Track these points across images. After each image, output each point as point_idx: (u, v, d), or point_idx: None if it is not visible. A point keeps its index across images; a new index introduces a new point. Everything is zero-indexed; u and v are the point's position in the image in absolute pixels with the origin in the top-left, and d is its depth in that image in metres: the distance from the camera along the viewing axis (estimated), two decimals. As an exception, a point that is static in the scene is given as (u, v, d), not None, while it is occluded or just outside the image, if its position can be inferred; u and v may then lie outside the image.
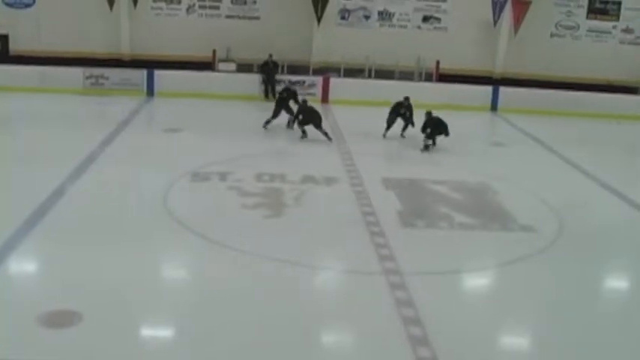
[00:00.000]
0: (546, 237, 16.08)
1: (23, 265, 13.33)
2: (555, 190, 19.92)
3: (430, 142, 23.23)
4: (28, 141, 21.52)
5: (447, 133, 23.39)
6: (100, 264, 12.98)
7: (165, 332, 11.08)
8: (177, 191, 17.66)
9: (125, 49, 33.11)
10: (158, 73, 30.43)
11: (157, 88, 30.30)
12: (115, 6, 32.22)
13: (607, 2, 35.63)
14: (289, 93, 25.60)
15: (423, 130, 23.31)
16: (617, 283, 14.86)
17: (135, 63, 32.21)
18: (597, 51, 35.60)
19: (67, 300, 11.45)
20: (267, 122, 24.68)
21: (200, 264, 13.70)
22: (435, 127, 23.30)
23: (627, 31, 35.89)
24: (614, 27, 35.84)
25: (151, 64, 30.99)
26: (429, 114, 23.67)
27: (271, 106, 25.50)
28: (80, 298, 11.59)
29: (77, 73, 29.94)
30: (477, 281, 14.21)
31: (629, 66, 35.01)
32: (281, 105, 24.92)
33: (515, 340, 11.88)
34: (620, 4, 35.59)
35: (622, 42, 35.95)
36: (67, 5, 32.46)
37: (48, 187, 16.95)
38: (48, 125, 23.92)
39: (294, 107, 24.38)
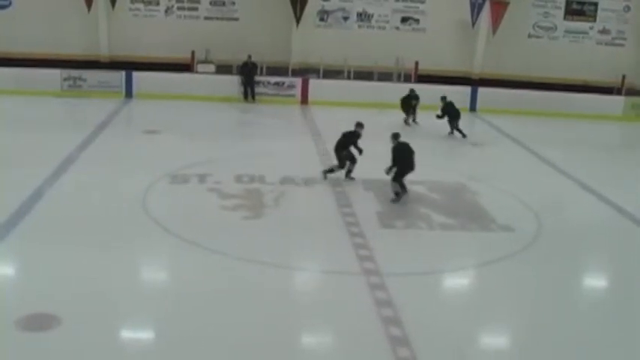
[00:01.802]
0: (525, 236, 16.16)
1: (1, 268, 13.25)
2: (533, 189, 20.01)
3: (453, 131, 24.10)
4: (6, 143, 21.34)
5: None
6: (79, 267, 12.92)
7: (144, 335, 11.04)
8: (156, 193, 17.62)
9: (103, 50, 32.95)
10: (137, 75, 30.35)
11: (135, 89, 30.22)
12: (93, 7, 32.03)
13: (584, 3, 35.89)
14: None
15: (442, 116, 23.68)
16: (595, 281, 14.95)
17: (113, 65, 32.08)
18: (574, 52, 35.84)
19: (45, 303, 11.39)
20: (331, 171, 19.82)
21: (179, 266, 13.66)
22: (454, 113, 23.91)
23: (604, 32, 36.15)
24: (591, 28, 36.13)
25: (129, 66, 30.88)
26: (444, 99, 23.88)
27: (251, 107, 25.44)
28: (59, 301, 11.53)
29: (55, 75, 29.81)
30: (456, 281, 14.26)
31: (606, 66, 35.24)
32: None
33: (494, 340, 11.92)
34: (596, 5, 35.87)
35: (599, 43, 36.22)
36: (44, 6, 32.26)
37: (26, 189, 16.86)
38: (26, 128, 23.79)
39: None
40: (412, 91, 27.72)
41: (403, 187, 17.86)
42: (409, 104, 27.71)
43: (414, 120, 27.84)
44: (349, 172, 19.54)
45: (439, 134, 24.88)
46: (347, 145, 19.33)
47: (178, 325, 11.09)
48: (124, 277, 12.77)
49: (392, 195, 17.86)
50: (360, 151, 19.41)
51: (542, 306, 12.88)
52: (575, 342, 11.55)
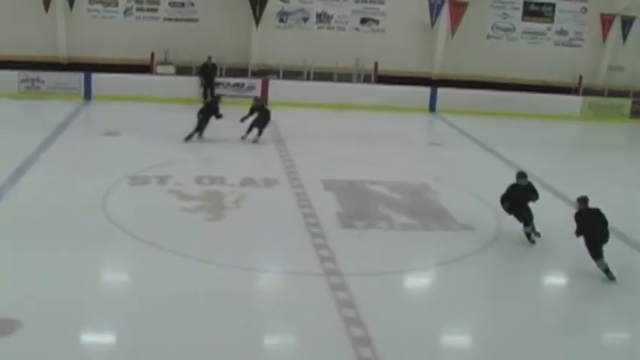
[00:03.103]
0: (485, 236, 16.31)
1: (-42, 273, 13.09)
2: (494, 189, 20.05)
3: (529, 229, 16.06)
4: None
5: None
6: (38, 270, 12.79)
7: (105, 339, 10.94)
8: (116, 195, 17.49)
9: (62, 51, 32.54)
10: (96, 77, 30.06)
11: (94, 91, 29.94)
12: (51, 8, 31.64)
13: (542, 5, 36.24)
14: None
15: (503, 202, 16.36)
16: (555, 279, 15.10)
17: (72, 66, 31.69)
18: (533, 52, 36.19)
19: (4, 307, 11.25)
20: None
21: (140, 268, 13.57)
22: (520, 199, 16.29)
23: (562, 32, 36.53)
24: (549, 29, 36.49)
25: (88, 67, 30.57)
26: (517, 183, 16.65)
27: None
28: (19, 305, 11.40)
29: (12, 76, 29.39)
30: (417, 281, 14.33)
31: (564, 67, 35.58)
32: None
33: (455, 338, 12.01)
34: (554, 6, 36.24)
35: (557, 44, 36.61)
36: (1, 7, 31.75)
37: (-17, 192, 16.68)
38: (-18, 130, 23.50)
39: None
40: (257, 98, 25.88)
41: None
42: None
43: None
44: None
45: (398, 136, 24.92)
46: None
47: (140, 328, 11.04)
48: (85, 280, 12.65)
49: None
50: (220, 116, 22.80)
51: (503, 304, 13.00)
52: (535, 339, 11.65)
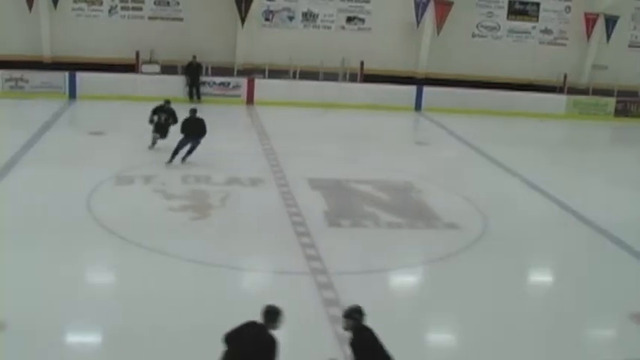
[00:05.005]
0: (470, 234, 16.34)
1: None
2: (479, 188, 20.21)
3: None
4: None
5: None
6: (23, 269, 12.74)
7: (90, 338, 10.90)
8: (101, 195, 17.43)
9: (46, 51, 32.35)
10: (80, 76, 29.92)
11: (79, 90, 29.81)
12: (34, 7, 31.48)
13: (526, 4, 36.33)
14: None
15: None
16: (540, 277, 15.17)
17: (56, 65, 31.52)
18: (518, 51, 36.27)
19: (-12, 307, 11.22)
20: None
21: (125, 268, 13.53)
22: None
23: (546, 31, 36.63)
24: (534, 28, 36.59)
25: (72, 67, 30.43)
26: None
27: (197, 107, 25.19)
28: (3, 305, 11.34)
29: (-4, 75, 29.28)
30: (403, 279, 14.36)
31: (549, 66, 35.66)
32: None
33: (441, 337, 12.04)
34: (539, 5, 36.34)
35: (541, 42, 36.71)
36: (-16, 6, 31.69)
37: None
38: (-34, 129, 23.38)
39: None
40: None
41: None
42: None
43: None
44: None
45: (384, 135, 24.95)
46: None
47: (125, 327, 10.98)
48: (69, 279, 12.60)
49: None
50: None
51: (489, 302, 13.01)
52: (521, 337, 11.69)
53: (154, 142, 21.78)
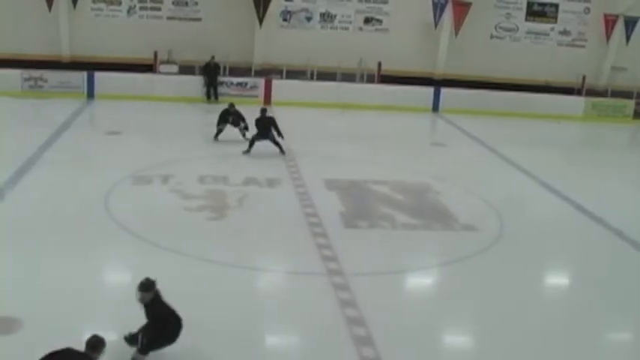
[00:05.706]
0: (488, 236, 16.28)
1: (-39, 271, 13.08)
2: (496, 189, 20.16)
3: None
4: (-35, 145, 21.13)
5: None
6: (40, 269, 12.79)
7: (107, 338, 10.91)
8: (119, 194, 17.47)
9: (65, 50, 32.58)
10: (98, 75, 30.06)
11: (97, 90, 29.94)
12: (54, 7, 31.69)
13: (545, 5, 36.24)
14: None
15: None
16: (558, 279, 15.10)
17: (75, 65, 31.67)
18: (536, 52, 36.18)
19: (7, 306, 11.25)
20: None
21: (143, 268, 13.44)
22: None
23: (565, 33, 36.52)
24: (552, 29, 36.50)
25: (91, 66, 30.57)
26: None
27: (214, 108, 25.34)
28: (20, 304, 11.40)
29: (15, 75, 29.38)
30: (419, 280, 14.31)
31: (567, 67, 35.54)
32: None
33: (458, 339, 12.00)
34: (557, 6, 36.23)
35: (560, 44, 36.60)
36: (4, 6, 31.78)
37: (-14, 191, 16.68)
38: (-15, 128, 23.50)
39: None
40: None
41: None
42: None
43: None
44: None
45: (401, 136, 24.91)
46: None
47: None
48: (87, 280, 12.64)
49: None
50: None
51: (505, 304, 12.97)
52: (538, 339, 11.64)
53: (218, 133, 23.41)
